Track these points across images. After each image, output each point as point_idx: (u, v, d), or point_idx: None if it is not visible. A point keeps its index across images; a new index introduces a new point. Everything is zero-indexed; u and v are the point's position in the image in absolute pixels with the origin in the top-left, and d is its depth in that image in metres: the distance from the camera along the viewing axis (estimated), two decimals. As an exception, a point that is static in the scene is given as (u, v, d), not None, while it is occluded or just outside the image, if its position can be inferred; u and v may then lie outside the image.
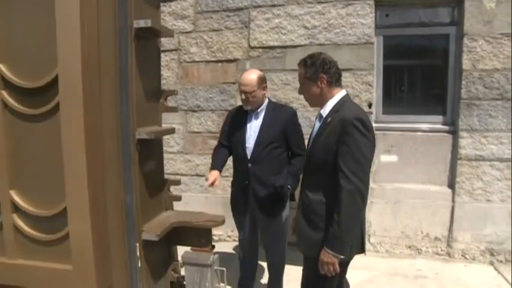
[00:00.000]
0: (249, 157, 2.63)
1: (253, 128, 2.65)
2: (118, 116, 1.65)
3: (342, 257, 1.79)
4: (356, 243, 1.94)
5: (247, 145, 2.64)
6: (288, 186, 2.63)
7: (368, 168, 1.78)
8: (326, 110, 1.86)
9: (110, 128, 1.66)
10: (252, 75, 2.59)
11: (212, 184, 2.49)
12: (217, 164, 2.71)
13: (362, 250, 2.02)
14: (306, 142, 2.05)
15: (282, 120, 2.62)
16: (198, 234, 1.99)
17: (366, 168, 1.75)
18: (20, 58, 1.64)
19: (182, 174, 4.38)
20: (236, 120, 2.76)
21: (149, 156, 1.88)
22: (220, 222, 2.00)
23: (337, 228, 1.74)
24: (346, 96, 1.90)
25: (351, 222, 1.76)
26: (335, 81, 1.86)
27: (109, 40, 1.60)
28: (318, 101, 1.88)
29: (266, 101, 2.67)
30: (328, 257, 1.78)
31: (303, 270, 2.09)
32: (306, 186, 1.95)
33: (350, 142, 1.72)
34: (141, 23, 1.57)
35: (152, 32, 1.70)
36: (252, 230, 2.78)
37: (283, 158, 2.67)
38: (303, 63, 1.86)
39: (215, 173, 2.59)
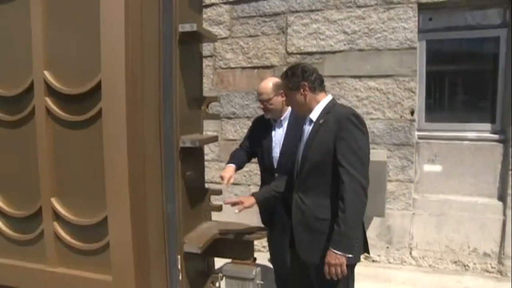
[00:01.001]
0: (275, 167, 2.49)
1: (277, 137, 2.51)
2: (161, 123, 1.58)
3: (350, 256, 1.72)
4: (360, 243, 1.89)
5: (273, 154, 2.51)
6: None
7: (367, 162, 1.78)
8: (315, 114, 1.87)
9: (152, 136, 1.59)
10: (266, 83, 2.51)
11: (228, 182, 2.33)
12: (233, 161, 2.56)
13: (365, 249, 1.99)
14: (301, 147, 1.95)
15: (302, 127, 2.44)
16: (239, 246, 1.89)
17: (365, 162, 1.76)
18: (64, 65, 1.62)
19: (216, 183, 4.30)
20: (261, 129, 2.61)
21: (191, 165, 1.80)
22: (264, 234, 1.90)
23: (343, 226, 1.69)
24: (334, 100, 1.93)
25: (356, 218, 1.74)
26: (318, 86, 1.88)
27: (153, 45, 1.54)
28: (305, 108, 1.90)
29: (289, 110, 2.49)
30: (336, 258, 1.71)
31: (300, 280, 2.04)
32: (301, 191, 1.88)
33: (348, 137, 1.73)
34: (187, 27, 1.50)
35: (195, 36, 1.63)
36: (283, 242, 2.59)
37: None
38: (284, 75, 1.91)
39: (230, 168, 2.44)
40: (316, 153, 1.81)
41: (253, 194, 2.17)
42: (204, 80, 4.26)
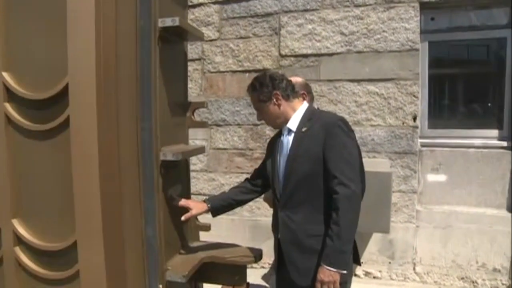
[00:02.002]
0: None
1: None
2: (139, 133, 1.41)
3: (344, 272, 1.62)
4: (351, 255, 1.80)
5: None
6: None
7: (358, 169, 1.71)
8: (294, 123, 1.78)
9: (129, 148, 1.42)
10: None
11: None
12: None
13: (356, 261, 1.87)
14: (280, 161, 1.79)
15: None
16: (230, 270, 1.73)
17: (357, 169, 1.69)
18: (27, 66, 1.45)
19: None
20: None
21: (174, 180, 1.63)
22: (257, 257, 1.72)
23: (337, 240, 1.59)
24: (311, 106, 1.90)
25: (352, 231, 1.65)
26: (291, 93, 1.80)
27: (130, 42, 1.37)
28: (281, 120, 1.80)
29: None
30: (329, 275, 1.60)
31: None
32: (288, 208, 1.74)
33: (338, 145, 1.66)
34: (167, 22, 1.34)
35: (179, 33, 1.47)
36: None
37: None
38: (251, 88, 1.80)
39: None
40: (303, 164, 1.70)
41: (205, 200, 1.91)
42: (192, 85, 4.11)
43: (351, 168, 1.65)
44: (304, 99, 2.23)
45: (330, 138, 1.66)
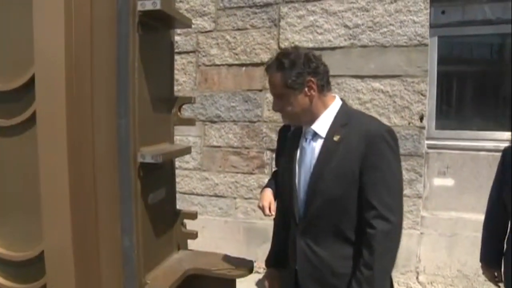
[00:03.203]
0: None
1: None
2: (115, 131, 1.29)
3: None
4: None
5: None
6: None
7: (402, 197, 1.42)
8: (322, 125, 1.41)
9: (106, 147, 1.30)
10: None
11: (269, 211, 1.96)
12: (270, 185, 2.15)
13: None
14: (301, 174, 1.46)
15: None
16: (218, 284, 1.61)
17: (401, 197, 1.40)
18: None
19: (198, 194, 4.03)
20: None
21: (156, 183, 1.51)
22: (247, 270, 1.61)
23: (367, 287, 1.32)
24: (346, 104, 1.48)
25: (387, 275, 1.39)
26: (326, 84, 1.42)
27: (105, 28, 1.25)
28: (307, 117, 1.42)
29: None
30: None
31: None
32: (310, 236, 1.42)
33: (383, 165, 1.34)
34: (148, 5, 1.22)
35: (162, 19, 1.35)
36: None
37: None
38: (277, 65, 1.38)
39: (267, 193, 2.04)
40: (332, 184, 1.36)
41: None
42: (186, 78, 3.99)
43: (394, 196, 1.35)
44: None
45: (372, 155, 1.33)
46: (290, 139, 1.60)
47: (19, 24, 1.26)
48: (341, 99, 1.47)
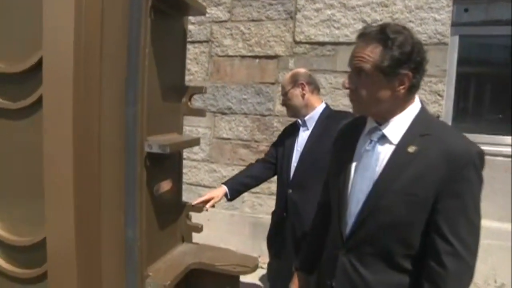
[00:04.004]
0: (290, 180, 2.16)
1: (299, 143, 2.18)
2: (122, 119, 1.26)
3: None
4: None
5: (292, 164, 2.17)
6: None
7: (480, 234, 1.16)
8: (395, 129, 1.18)
9: (110, 135, 1.27)
10: (286, 75, 2.26)
11: (201, 204, 1.89)
12: (233, 179, 2.26)
13: None
14: (357, 178, 1.24)
15: (334, 131, 2.10)
16: (221, 280, 1.58)
17: (480, 234, 1.14)
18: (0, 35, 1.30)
19: (205, 186, 4.01)
20: (287, 135, 2.28)
21: (163, 174, 1.48)
22: (252, 267, 1.58)
23: None
24: (425, 109, 1.24)
25: None
26: (417, 87, 1.18)
27: (117, 11, 1.21)
28: (381, 112, 1.19)
29: (321, 106, 2.17)
30: None
31: None
32: (356, 255, 1.22)
33: (466, 195, 1.09)
34: (161, -11, 1.17)
35: (175, 4, 1.30)
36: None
37: None
38: (384, 39, 1.11)
39: (217, 190, 2.13)
40: (397, 204, 1.13)
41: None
42: (198, 68, 3.96)
43: (473, 232, 1.12)
44: (303, 89, 2.13)
45: (455, 181, 1.08)
46: (344, 136, 1.37)
47: (28, 4, 1.23)
48: (421, 101, 1.23)
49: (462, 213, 1.09)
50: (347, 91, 1.25)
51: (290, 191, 2.13)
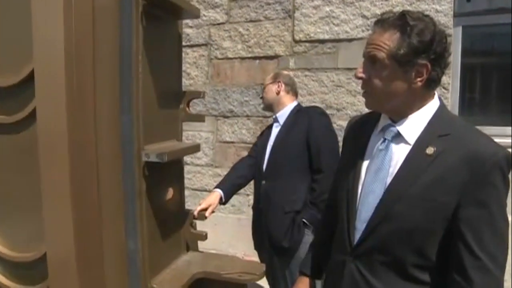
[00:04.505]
0: (264, 172, 2.28)
1: (272, 138, 2.32)
2: (118, 128, 1.24)
3: None
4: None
5: (266, 157, 2.30)
6: (304, 220, 2.15)
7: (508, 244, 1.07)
8: (411, 128, 1.10)
9: (107, 146, 1.25)
10: (271, 73, 2.54)
11: (201, 213, 1.88)
12: (225, 182, 2.32)
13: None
14: (357, 180, 1.17)
15: (302, 123, 2.21)
16: (228, 288, 1.56)
17: (507, 243, 1.04)
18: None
19: (210, 191, 3.95)
20: (264, 133, 2.48)
21: (163, 182, 1.46)
22: (259, 275, 1.55)
23: None
24: (445, 107, 1.14)
25: None
26: (437, 82, 1.09)
27: (107, 19, 1.19)
28: (395, 107, 1.11)
29: (292, 104, 2.32)
30: None
31: None
32: (365, 264, 1.13)
33: (491, 202, 1.00)
34: (151, -7, 1.15)
35: (168, 8, 1.28)
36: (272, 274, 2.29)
37: (305, 176, 2.19)
38: (402, 25, 1.03)
39: (213, 197, 2.15)
40: (414, 211, 1.05)
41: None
42: (198, 72, 3.94)
43: (501, 242, 1.02)
44: (279, 87, 2.28)
45: (479, 186, 0.99)
46: (354, 133, 1.27)
47: (18, 16, 1.21)
48: (440, 99, 1.14)
49: (488, 223, 1.00)
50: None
51: (264, 182, 2.24)
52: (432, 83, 1.07)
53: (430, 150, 1.04)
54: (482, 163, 0.98)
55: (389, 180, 1.09)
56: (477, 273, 0.99)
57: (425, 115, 1.09)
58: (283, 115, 2.28)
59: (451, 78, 3.24)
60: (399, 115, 1.11)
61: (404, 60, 1.03)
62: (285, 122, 2.26)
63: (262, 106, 2.50)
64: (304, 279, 1.43)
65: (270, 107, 2.35)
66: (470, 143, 1.02)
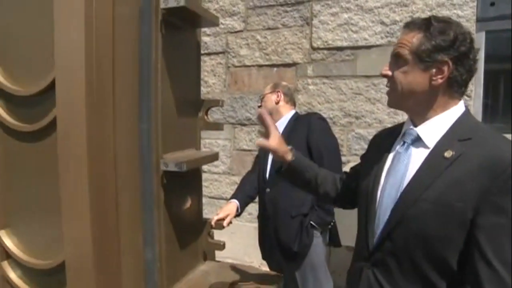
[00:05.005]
0: (267, 180, 2.28)
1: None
2: (137, 137, 1.24)
3: None
4: None
5: (268, 166, 2.30)
6: (311, 223, 2.16)
7: None
8: (431, 131, 1.08)
9: (126, 155, 1.25)
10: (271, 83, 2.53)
11: (219, 223, 1.89)
12: (240, 193, 2.33)
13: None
14: (376, 186, 1.17)
15: (301, 129, 2.22)
16: (245, 299, 1.53)
17: None
18: (15, 58, 1.32)
19: (227, 199, 3.95)
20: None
21: (181, 191, 1.45)
22: (277, 286, 1.52)
23: None
24: (470, 113, 1.11)
25: None
26: (462, 86, 1.07)
27: (127, 28, 1.20)
28: (417, 107, 1.10)
29: (291, 113, 2.34)
30: None
31: None
32: (382, 271, 1.11)
33: (508, 211, 0.95)
34: (171, 2, 1.15)
35: (187, 17, 1.28)
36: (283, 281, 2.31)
37: None
38: (425, 25, 1.06)
39: (230, 206, 2.15)
40: (428, 216, 1.02)
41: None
42: (215, 80, 3.96)
43: None
44: (278, 96, 2.31)
45: (498, 192, 0.95)
46: (378, 142, 1.28)
47: (41, 27, 1.23)
48: (466, 106, 1.12)
49: (506, 231, 0.94)
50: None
51: (268, 190, 2.24)
52: (455, 83, 1.05)
53: (448, 154, 1.02)
54: (503, 169, 0.94)
55: (405, 183, 1.08)
56: (490, 283, 0.94)
57: (447, 120, 1.07)
58: (282, 123, 2.29)
59: (474, 85, 3.17)
60: (420, 116, 1.10)
61: (425, 56, 1.04)
62: (284, 130, 2.26)
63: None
64: None
65: (274, 117, 2.33)
66: (491, 148, 0.98)
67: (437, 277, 1.02)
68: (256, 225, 3.92)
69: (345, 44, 3.42)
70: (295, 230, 2.15)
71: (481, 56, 3.19)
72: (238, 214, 2.21)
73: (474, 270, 0.97)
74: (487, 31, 3.17)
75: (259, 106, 2.43)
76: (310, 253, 2.16)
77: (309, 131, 2.17)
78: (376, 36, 3.32)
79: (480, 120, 3.27)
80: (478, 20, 3.12)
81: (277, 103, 2.33)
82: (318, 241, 2.18)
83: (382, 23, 3.30)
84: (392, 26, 3.26)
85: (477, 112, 3.28)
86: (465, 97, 3.06)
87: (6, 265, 1.46)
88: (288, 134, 2.22)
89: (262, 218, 2.36)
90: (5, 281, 1.46)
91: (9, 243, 1.44)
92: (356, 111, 3.38)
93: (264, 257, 2.42)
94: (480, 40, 3.18)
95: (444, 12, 3.08)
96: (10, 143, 1.38)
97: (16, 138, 1.37)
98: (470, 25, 3.04)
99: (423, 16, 3.14)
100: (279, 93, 2.33)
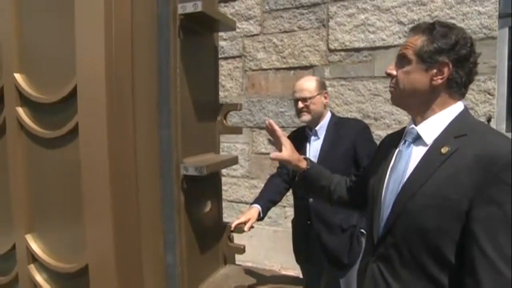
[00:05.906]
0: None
1: (312, 151, 2.14)
2: (157, 142, 1.25)
3: None
4: None
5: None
6: (361, 230, 2.10)
7: None
8: (430, 129, 1.14)
9: (146, 160, 1.26)
10: (310, 79, 2.22)
11: (240, 226, 1.81)
12: (262, 198, 2.19)
13: None
14: (381, 182, 1.22)
15: (348, 137, 2.10)
16: (266, 303, 1.53)
17: None
18: (38, 66, 1.35)
19: (246, 203, 3.97)
20: (296, 143, 2.23)
21: (201, 195, 1.46)
22: (298, 289, 1.51)
23: None
24: (468, 112, 1.16)
25: None
26: (462, 87, 1.12)
27: (146, 34, 1.21)
28: (417, 106, 1.17)
29: (328, 115, 2.18)
30: None
31: None
32: (386, 264, 1.16)
33: (504, 201, 0.97)
34: (188, 7, 1.16)
35: (204, 21, 1.29)
36: (321, 283, 2.23)
37: None
38: (428, 28, 1.13)
39: (252, 211, 2.03)
40: (425, 209, 1.07)
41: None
42: (233, 84, 3.97)
43: None
44: (325, 98, 2.15)
45: (492, 184, 0.98)
46: (385, 144, 1.33)
47: (63, 34, 1.26)
48: (465, 106, 1.16)
49: (500, 222, 0.97)
50: (388, 97, 1.26)
51: (311, 200, 2.11)
52: (454, 84, 1.11)
53: (445, 150, 1.08)
54: (495, 161, 0.98)
55: (405, 178, 1.14)
56: (488, 276, 0.96)
57: (446, 118, 1.13)
58: (322, 127, 2.15)
59: (497, 83, 3.09)
60: (420, 115, 1.16)
61: (426, 57, 1.11)
62: (326, 135, 2.12)
63: (304, 117, 2.14)
64: None
65: (317, 120, 2.13)
66: (486, 143, 1.03)
67: (436, 269, 1.06)
68: (275, 228, 3.93)
69: (362, 45, 3.39)
70: (346, 242, 2.08)
71: (505, 53, 3.12)
72: (261, 219, 2.15)
73: (471, 261, 0.99)
74: (510, 27, 3.09)
75: (302, 109, 2.13)
76: (359, 260, 2.08)
77: (356, 142, 2.08)
78: (394, 36, 3.28)
79: (504, 120, 3.20)
80: (500, 17, 3.04)
81: (325, 106, 2.14)
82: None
83: (400, 22, 3.25)
84: (410, 25, 3.21)
85: (501, 111, 3.20)
86: (487, 95, 3.01)
87: (32, 268, 1.48)
88: (333, 141, 2.11)
89: (303, 226, 2.21)
90: (33, 284, 1.49)
91: (35, 247, 1.47)
92: (375, 113, 3.34)
93: (300, 262, 2.30)
94: (503, 37, 3.11)
95: (464, 9, 3.02)
96: (34, 149, 1.41)
97: (40, 144, 1.40)
98: (491, 22, 2.97)
99: (442, 14, 3.11)
100: (326, 95, 2.15)
